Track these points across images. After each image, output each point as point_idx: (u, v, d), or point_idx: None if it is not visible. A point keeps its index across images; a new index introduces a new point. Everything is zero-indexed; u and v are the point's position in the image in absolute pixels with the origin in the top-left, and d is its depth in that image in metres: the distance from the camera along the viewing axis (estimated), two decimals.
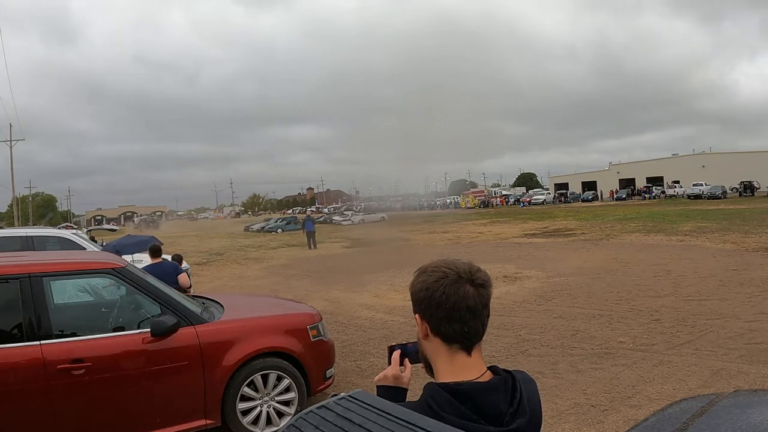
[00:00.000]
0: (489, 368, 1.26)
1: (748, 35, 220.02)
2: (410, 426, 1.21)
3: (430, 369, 1.31)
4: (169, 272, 6.79)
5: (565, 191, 72.23)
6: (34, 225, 50.26)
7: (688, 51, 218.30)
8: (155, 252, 7.24)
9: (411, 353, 1.40)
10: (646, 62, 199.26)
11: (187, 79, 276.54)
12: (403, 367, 1.40)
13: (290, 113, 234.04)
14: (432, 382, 1.23)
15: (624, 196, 63.47)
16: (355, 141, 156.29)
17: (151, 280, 4.72)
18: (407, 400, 1.35)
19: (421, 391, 1.23)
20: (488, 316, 1.27)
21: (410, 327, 8.20)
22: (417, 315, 1.28)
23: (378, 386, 1.41)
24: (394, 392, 1.38)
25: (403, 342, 1.45)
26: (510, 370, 1.27)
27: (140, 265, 6.06)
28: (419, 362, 1.38)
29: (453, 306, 1.21)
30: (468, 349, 1.24)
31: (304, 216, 38.72)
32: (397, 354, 1.40)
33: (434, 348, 1.26)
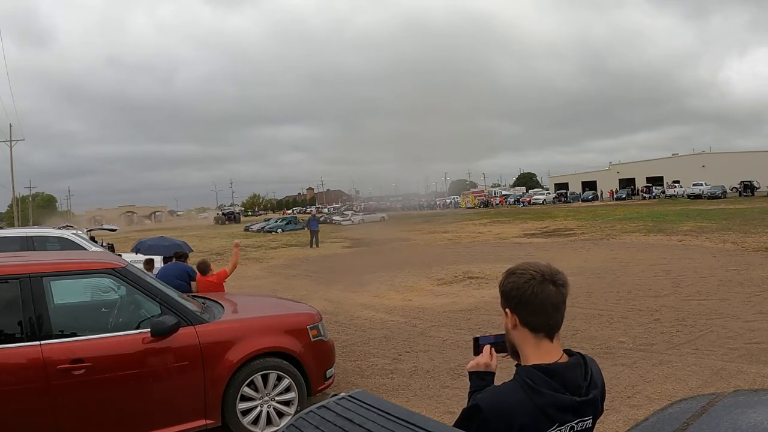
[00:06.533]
0: (564, 351, 1.51)
1: (740, 33, 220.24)
2: (410, 426, 1.22)
3: (515, 355, 1.54)
4: (179, 273, 6.90)
5: (565, 191, 72.18)
6: (36, 225, 50.13)
7: (680, 49, 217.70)
8: (179, 255, 7.70)
9: (497, 344, 1.63)
10: (639, 61, 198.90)
11: (179, 80, 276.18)
12: (490, 356, 1.62)
13: (283, 113, 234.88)
14: (523, 365, 1.48)
15: (624, 196, 63.41)
16: (348, 141, 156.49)
17: (151, 280, 4.72)
18: (495, 383, 1.58)
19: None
20: (565, 309, 1.51)
21: (410, 327, 8.20)
22: (507, 309, 1.52)
23: (470, 372, 1.63)
24: (484, 376, 1.60)
25: (487, 334, 1.67)
26: (577, 352, 1.53)
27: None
28: (504, 351, 1.61)
29: (540, 303, 1.45)
30: (551, 337, 1.49)
31: (308, 216, 38.65)
32: (488, 347, 1.63)
33: (522, 336, 1.50)
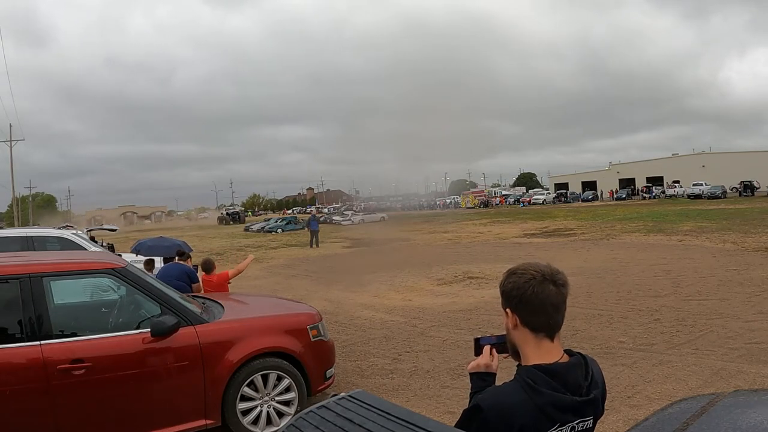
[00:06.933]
0: (564, 351, 1.51)
1: (740, 33, 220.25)
2: (410, 426, 1.22)
3: (516, 355, 1.54)
4: (180, 274, 6.93)
5: (565, 191, 72.17)
6: (36, 225, 50.08)
7: (680, 49, 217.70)
8: (180, 254, 7.77)
9: (498, 345, 1.63)
10: (638, 61, 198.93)
11: (179, 80, 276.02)
12: (491, 356, 1.62)
13: (283, 113, 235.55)
14: (524, 365, 1.48)
15: (624, 196, 63.41)
16: (348, 141, 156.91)
17: (151, 280, 4.72)
18: (496, 383, 1.57)
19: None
20: (565, 309, 1.51)
21: (410, 327, 8.21)
22: (507, 309, 1.52)
23: (471, 374, 1.63)
24: (485, 377, 1.60)
25: (488, 335, 1.67)
26: (578, 352, 1.54)
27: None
28: (505, 352, 1.60)
29: (540, 302, 1.45)
30: (551, 336, 1.49)
31: (308, 216, 38.65)
32: (488, 347, 1.63)
33: (523, 336, 1.50)
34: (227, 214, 73.20)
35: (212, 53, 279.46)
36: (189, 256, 7.92)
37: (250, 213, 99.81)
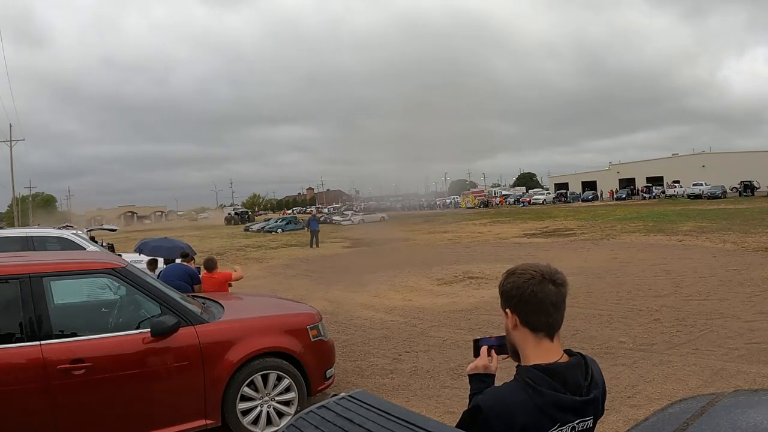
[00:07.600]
0: (564, 351, 1.51)
1: (738, 32, 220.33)
2: (410, 426, 1.22)
3: (516, 356, 1.54)
4: (182, 275, 6.94)
5: (565, 191, 72.17)
6: (37, 225, 49.99)
7: (678, 49, 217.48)
8: (184, 255, 7.84)
9: (497, 346, 1.62)
10: (637, 60, 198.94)
11: (177, 80, 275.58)
12: (490, 357, 1.62)
13: (282, 113, 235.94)
14: (524, 365, 1.48)
15: (624, 196, 63.41)
16: (347, 141, 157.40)
17: (151, 280, 4.72)
18: (496, 383, 1.56)
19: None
20: (565, 308, 1.51)
21: (410, 327, 8.20)
22: (507, 309, 1.52)
23: (470, 375, 1.62)
24: (484, 378, 1.60)
25: (487, 336, 1.66)
26: (578, 352, 1.54)
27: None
28: (505, 353, 1.60)
29: (540, 302, 1.46)
30: (551, 336, 1.49)
31: (308, 216, 38.62)
32: (485, 349, 1.62)
33: (523, 336, 1.50)
34: (236, 213, 72.48)
35: (209, 53, 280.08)
36: (192, 258, 7.93)
37: (250, 213, 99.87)
